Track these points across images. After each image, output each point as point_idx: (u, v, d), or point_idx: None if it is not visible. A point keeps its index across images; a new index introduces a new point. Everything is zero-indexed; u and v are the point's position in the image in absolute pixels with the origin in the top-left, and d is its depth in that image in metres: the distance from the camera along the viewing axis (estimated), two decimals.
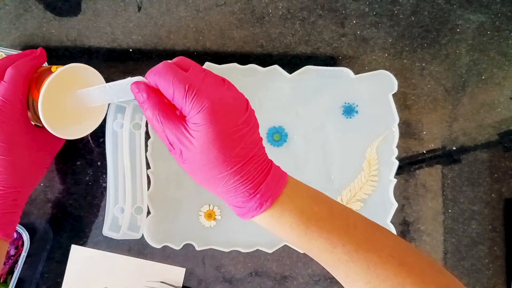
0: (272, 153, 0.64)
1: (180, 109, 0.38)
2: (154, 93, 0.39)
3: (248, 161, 0.39)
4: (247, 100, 0.40)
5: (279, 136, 0.64)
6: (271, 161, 0.42)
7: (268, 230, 0.41)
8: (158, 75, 0.37)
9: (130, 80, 0.39)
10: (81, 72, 0.51)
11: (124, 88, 0.41)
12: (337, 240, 0.39)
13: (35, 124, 0.52)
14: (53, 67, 0.50)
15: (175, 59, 0.40)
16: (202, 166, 0.38)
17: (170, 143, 0.39)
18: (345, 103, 0.65)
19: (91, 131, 0.55)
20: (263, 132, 0.64)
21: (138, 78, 0.39)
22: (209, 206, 0.63)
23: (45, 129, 0.48)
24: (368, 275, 0.38)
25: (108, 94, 0.45)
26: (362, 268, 0.38)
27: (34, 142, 0.51)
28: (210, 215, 0.62)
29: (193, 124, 0.37)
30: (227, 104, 0.38)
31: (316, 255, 0.40)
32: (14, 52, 0.62)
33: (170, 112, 0.39)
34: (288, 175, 0.42)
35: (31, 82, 0.50)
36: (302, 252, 0.62)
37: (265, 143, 0.64)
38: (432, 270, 0.39)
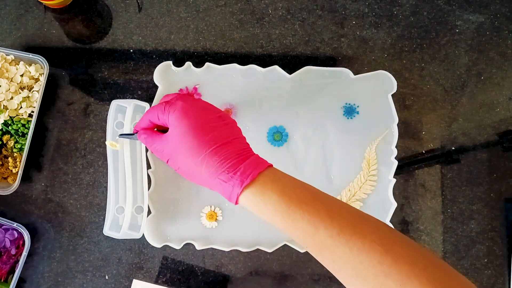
0: (272, 152, 0.64)
1: (165, 125, 0.48)
2: (147, 129, 0.51)
3: (224, 144, 0.44)
4: (221, 110, 0.49)
5: (279, 136, 0.64)
6: (252, 152, 0.46)
7: (255, 214, 0.43)
8: (148, 112, 0.50)
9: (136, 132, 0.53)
10: None
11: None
12: (319, 223, 0.40)
13: None
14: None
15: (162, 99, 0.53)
16: (181, 156, 0.45)
17: (159, 153, 0.48)
18: (346, 103, 0.65)
19: None
20: (263, 131, 0.64)
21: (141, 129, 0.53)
22: (211, 207, 0.63)
23: None
24: (352, 260, 0.38)
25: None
26: (345, 252, 0.38)
27: None
28: (211, 216, 0.62)
29: (171, 126, 0.46)
30: (198, 105, 0.47)
31: (301, 239, 0.41)
32: (14, 52, 0.62)
33: (154, 132, 0.50)
34: (273, 166, 0.45)
35: None
36: (302, 251, 0.62)
37: (265, 142, 0.64)
38: (425, 261, 0.38)
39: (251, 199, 0.43)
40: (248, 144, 0.47)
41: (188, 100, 0.47)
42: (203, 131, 0.44)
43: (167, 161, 0.48)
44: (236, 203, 0.44)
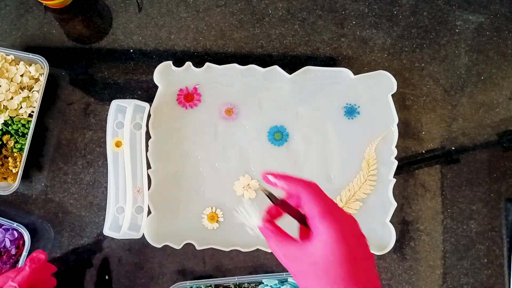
0: (273, 152, 0.64)
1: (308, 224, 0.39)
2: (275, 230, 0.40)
3: None
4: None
5: (280, 135, 0.64)
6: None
7: None
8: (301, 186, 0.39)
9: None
10: None
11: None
12: None
13: None
14: None
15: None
16: (320, 282, 0.36)
17: (288, 260, 0.38)
18: (347, 104, 0.65)
19: None
20: (264, 131, 0.64)
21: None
22: (212, 208, 0.63)
23: None
24: None
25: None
26: None
27: None
28: (212, 218, 0.62)
29: (319, 241, 0.36)
30: (354, 234, 0.37)
31: None
32: (14, 52, 0.62)
33: (287, 237, 0.39)
34: None
35: None
36: None
37: (266, 142, 0.64)
38: None
39: None
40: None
41: (343, 221, 0.37)
42: (356, 267, 0.36)
43: (294, 275, 0.39)
44: None
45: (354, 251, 0.36)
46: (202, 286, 0.60)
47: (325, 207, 0.38)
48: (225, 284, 0.62)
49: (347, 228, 0.37)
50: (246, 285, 0.61)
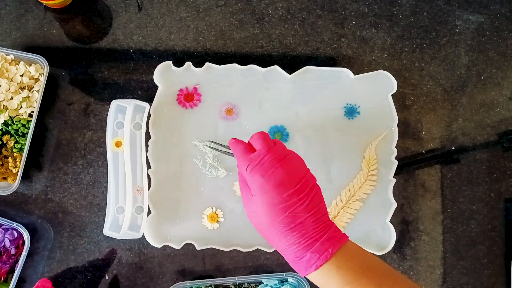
0: None
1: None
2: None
3: (297, 226, 0.45)
4: (302, 174, 0.48)
5: (280, 135, 0.64)
6: (329, 226, 0.47)
7: None
8: (235, 152, 0.51)
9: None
10: None
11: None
12: None
13: None
14: None
15: (255, 136, 0.51)
16: (257, 226, 0.48)
17: (243, 195, 0.51)
18: (347, 104, 0.65)
19: None
20: (264, 130, 0.64)
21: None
22: (212, 208, 0.63)
23: None
24: None
25: None
26: None
27: None
28: (213, 218, 0.62)
29: (252, 191, 0.48)
30: (275, 179, 0.47)
31: None
32: (14, 52, 0.62)
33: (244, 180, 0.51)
34: (349, 240, 0.47)
35: None
36: None
37: None
38: None
39: (314, 280, 0.47)
40: (323, 214, 0.48)
41: (267, 170, 0.47)
42: (275, 212, 0.46)
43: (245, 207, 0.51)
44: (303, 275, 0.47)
45: (272, 198, 0.46)
46: (202, 286, 0.60)
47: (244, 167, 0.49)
48: (225, 284, 0.62)
49: (263, 183, 0.47)
50: (246, 285, 0.61)
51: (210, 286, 0.61)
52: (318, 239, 0.45)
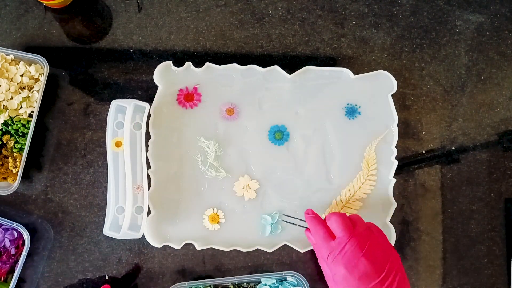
0: (273, 151, 0.64)
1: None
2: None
3: None
4: (387, 259, 0.48)
5: (280, 134, 0.64)
6: None
7: None
8: (313, 230, 0.52)
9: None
10: None
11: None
12: None
13: None
14: None
15: (333, 218, 0.51)
16: None
17: (326, 275, 0.52)
18: (348, 104, 0.65)
19: None
20: (264, 130, 0.64)
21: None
22: (213, 209, 0.63)
23: None
24: None
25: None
26: None
27: None
28: (214, 219, 0.62)
29: (334, 276, 0.49)
30: (359, 271, 0.47)
31: None
32: (14, 52, 0.62)
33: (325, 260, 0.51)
34: None
35: None
36: (302, 251, 0.62)
37: (266, 141, 0.64)
38: None
39: None
40: None
41: (350, 261, 0.47)
42: None
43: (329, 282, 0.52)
44: None
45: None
46: (201, 286, 0.60)
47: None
48: (224, 284, 0.62)
49: (347, 275, 0.47)
50: (245, 284, 0.61)
51: (209, 286, 0.61)
52: None
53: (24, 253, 0.59)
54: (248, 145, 0.64)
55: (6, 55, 0.63)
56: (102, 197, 0.64)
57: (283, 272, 0.60)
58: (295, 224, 0.60)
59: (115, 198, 0.61)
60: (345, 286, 0.47)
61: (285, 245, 0.62)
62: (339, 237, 0.49)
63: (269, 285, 0.59)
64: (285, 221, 0.61)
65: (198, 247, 0.62)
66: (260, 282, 0.60)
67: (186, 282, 0.60)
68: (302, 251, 0.62)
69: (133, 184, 0.60)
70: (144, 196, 0.61)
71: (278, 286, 0.59)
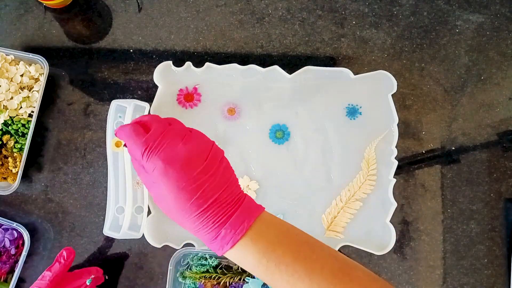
0: (273, 150, 0.64)
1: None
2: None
3: (207, 208, 0.42)
4: (208, 148, 0.44)
5: (281, 133, 0.64)
6: (243, 198, 0.43)
7: None
8: (125, 138, 0.44)
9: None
10: None
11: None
12: (299, 284, 0.40)
13: None
14: None
15: (140, 119, 0.45)
16: (166, 211, 0.43)
17: (144, 182, 0.45)
18: (349, 104, 0.65)
19: None
20: (266, 128, 0.64)
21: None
22: None
23: None
24: None
25: None
26: None
27: None
28: None
29: (152, 179, 0.42)
30: (179, 160, 0.42)
31: None
32: (14, 52, 0.62)
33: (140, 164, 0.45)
34: (264, 210, 0.44)
35: None
36: None
37: (267, 139, 0.64)
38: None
39: (232, 258, 0.43)
40: (234, 186, 0.44)
41: (168, 152, 0.42)
42: (185, 195, 0.42)
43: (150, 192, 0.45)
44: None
45: (179, 181, 0.41)
46: (206, 255, 0.60)
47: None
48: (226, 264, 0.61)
49: (166, 167, 0.41)
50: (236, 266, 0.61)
51: (211, 257, 0.60)
52: (232, 214, 0.42)
53: (24, 253, 0.59)
54: (248, 144, 0.64)
55: (6, 55, 0.63)
56: (102, 197, 0.64)
57: None
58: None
59: (115, 198, 0.61)
60: (166, 182, 0.41)
61: None
62: (154, 129, 0.43)
63: None
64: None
65: (198, 247, 0.62)
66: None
67: (192, 250, 0.60)
68: None
69: (133, 184, 0.60)
70: (144, 196, 0.61)
71: None
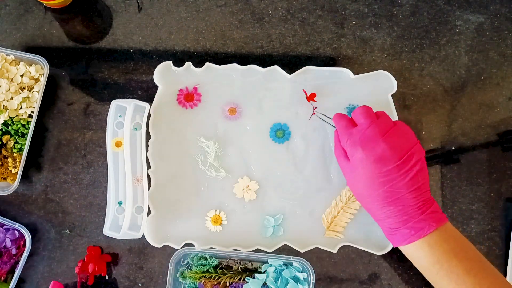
0: (273, 150, 0.64)
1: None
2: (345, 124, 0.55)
3: (391, 202, 0.47)
4: (408, 147, 0.49)
5: (282, 133, 0.64)
6: (430, 205, 0.48)
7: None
8: (337, 124, 0.54)
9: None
10: None
11: None
12: None
13: None
14: None
15: (357, 111, 0.54)
16: (357, 190, 0.51)
17: (339, 157, 0.56)
18: (350, 104, 0.65)
19: None
20: (266, 128, 0.64)
21: None
22: (216, 211, 0.63)
23: None
24: None
25: None
26: None
27: None
28: (216, 220, 0.62)
29: (351, 163, 0.51)
30: (375, 154, 0.48)
31: None
32: (14, 52, 0.62)
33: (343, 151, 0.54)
34: (448, 222, 0.49)
35: None
36: (302, 251, 0.62)
37: (267, 139, 0.64)
38: None
39: (406, 252, 0.50)
40: (428, 191, 0.49)
41: (368, 144, 0.48)
42: (374, 185, 0.47)
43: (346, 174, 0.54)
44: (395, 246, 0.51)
45: (371, 171, 0.47)
46: (206, 255, 0.60)
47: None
48: (231, 258, 0.61)
49: (363, 157, 0.48)
50: (249, 265, 0.61)
51: (211, 257, 0.61)
52: (415, 216, 0.46)
53: (25, 254, 0.59)
54: (248, 145, 0.64)
55: (6, 55, 0.63)
56: (102, 197, 0.64)
57: (291, 257, 0.60)
58: (328, 123, 0.63)
59: (115, 198, 0.61)
60: (360, 170, 0.48)
61: (285, 244, 0.62)
62: (360, 123, 0.50)
63: (275, 266, 0.59)
64: (320, 118, 0.63)
65: (198, 247, 0.62)
66: (266, 262, 0.60)
67: (192, 250, 0.60)
68: (302, 251, 0.62)
69: (133, 184, 0.60)
70: (144, 196, 0.61)
71: (283, 269, 0.59)
